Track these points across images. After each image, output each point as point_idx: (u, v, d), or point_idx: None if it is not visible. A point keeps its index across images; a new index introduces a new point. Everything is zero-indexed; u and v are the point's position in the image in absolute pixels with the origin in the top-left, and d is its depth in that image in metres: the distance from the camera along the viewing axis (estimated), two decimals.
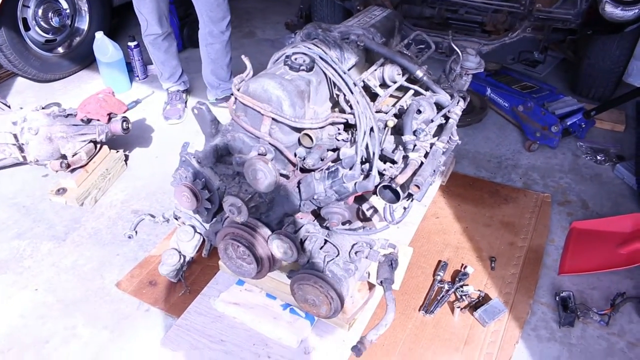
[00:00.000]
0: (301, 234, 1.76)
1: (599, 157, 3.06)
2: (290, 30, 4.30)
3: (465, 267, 2.39)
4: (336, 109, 1.84)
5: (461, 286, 2.28)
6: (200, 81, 3.62)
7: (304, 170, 1.66)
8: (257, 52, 3.62)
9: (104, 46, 3.58)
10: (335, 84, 1.70)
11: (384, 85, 1.83)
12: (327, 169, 1.59)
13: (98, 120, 2.61)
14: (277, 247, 1.75)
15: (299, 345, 2.02)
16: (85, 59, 4.01)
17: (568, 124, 3.04)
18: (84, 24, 3.98)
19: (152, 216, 2.63)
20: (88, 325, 2.16)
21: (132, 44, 3.72)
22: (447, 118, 1.74)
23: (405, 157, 1.59)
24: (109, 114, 2.61)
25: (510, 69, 3.68)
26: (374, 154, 1.53)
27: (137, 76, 3.78)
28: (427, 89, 1.85)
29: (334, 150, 1.68)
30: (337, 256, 1.79)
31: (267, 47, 4.22)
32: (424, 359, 2.05)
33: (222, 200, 1.93)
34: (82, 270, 2.42)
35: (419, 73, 1.82)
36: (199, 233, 2.32)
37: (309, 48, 1.74)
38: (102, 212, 2.75)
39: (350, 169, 1.54)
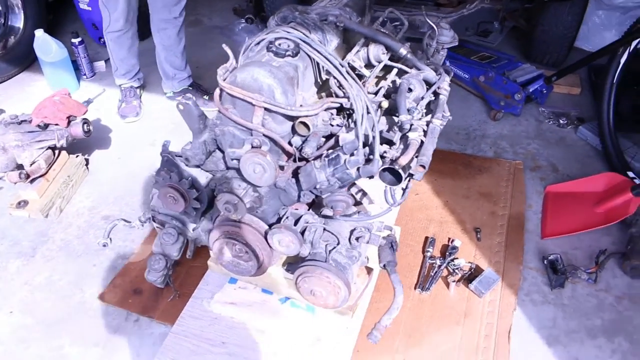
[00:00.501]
0: (300, 225, 1.71)
1: (561, 121, 3.15)
2: (239, 16, 4.16)
3: (453, 240, 2.41)
4: (322, 94, 1.78)
5: (452, 260, 2.30)
6: (153, 75, 3.46)
7: (300, 159, 1.59)
8: (208, 40, 3.49)
9: (46, 45, 3.33)
10: (322, 68, 1.64)
11: (369, 65, 1.79)
12: (326, 156, 1.54)
13: (56, 124, 2.43)
14: (278, 242, 1.69)
15: (304, 337, 1.98)
16: (24, 60, 3.74)
17: (530, 90, 3.10)
18: (18, 22, 3.69)
19: (126, 221, 2.49)
20: (75, 344, 2.03)
21: (75, 40, 3.49)
22: (436, 94, 1.72)
23: (404, 138, 1.56)
24: (68, 117, 2.44)
25: (465, 40, 3.71)
26: (374, 137, 1.49)
27: (85, 74, 3.56)
28: (411, 66, 1.82)
29: (328, 136, 1.62)
30: (338, 244, 1.75)
31: (217, 35, 4.07)
32: (428, 336, 2.05)
33: (212, 198, 1.85)
34: (58, 286, 2.27)
35: (403, 51, 1.78)
36: (182, 234, 2.22)
37: (289, 32, 1.67)
38: (69, 222, 2.58)
39: (352, 154, 1.49)
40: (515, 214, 2.58)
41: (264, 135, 1.55)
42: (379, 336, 1.65)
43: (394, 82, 1.73)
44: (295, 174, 1.60)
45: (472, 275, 2.26)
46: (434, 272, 2.27)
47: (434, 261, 2.31)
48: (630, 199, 2.33)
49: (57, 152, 2.65)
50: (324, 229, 1.75)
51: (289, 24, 1.81)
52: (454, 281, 2.22)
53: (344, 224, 1.80)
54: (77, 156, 2.76)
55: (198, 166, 1.76)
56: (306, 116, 1.51)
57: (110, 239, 2.46)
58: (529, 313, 2.17)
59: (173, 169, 1.80)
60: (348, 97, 1.55)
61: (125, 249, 2.44)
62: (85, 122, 2.51)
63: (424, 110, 1.68)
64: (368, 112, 1.52)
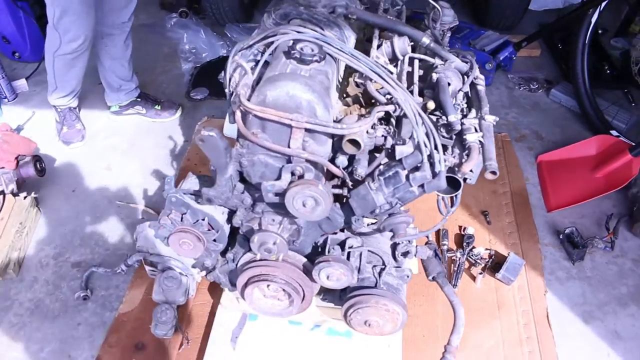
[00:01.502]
0: (345, 251, 1.51)
1: (531, 86, 3.12)
2: (169, 10, 3.75)
3: (465, 228, 2.29)
4: (347, 99, 1.57)
5: (471, 250, 2.19)
6: (88, 87, 3.01)
7: (349, 183, 1.37)
8: (138, 41, 3.10)
9: None
10: (354, 71, 1.42)
11: (393, 60, 1.58)
12: (380, 174, 1.33)
13: (2, 167, 2.02)
14: (327, 276, 1.48)
15: None
16: None
17: (501, 59, 3.04)
18: None
19: (105, 268, 2.15)
20: None
21: None
22: (472, 85, 1.55)
23: (458, 141, 1.38)
24: (17, 157, 2.04)
25: (417, 12, 3.57)
26: (436, 145, 1.30)
27: (5, 98, 3.05)
28: (433, 55, 1.64)
29: (374, 150, 1.41)
30: (384, 264, 1.57)
31: (148, 34, 3.63)
32: (469, 336, 1.93)
33: (231, 234, 1.59)
34: (40, 358, 1.92)
35: (426, 40, 1.60)
36: (184, 275, 1.94)
37: (301, 32, 1.43)
38: (34, 277, 2.20)
39: (414, 169, 1.30)
40: (516, 189, 2.52)
41: (307, 160, 1.31)
42: (453, 359, 1.50)
43: (425, 77, 1.54)
44: (346, 199, 1.38)
45: (494, 263, 2.17)
46: (457, 266, 2.15)
47: (453, 254, 2.18)
48: (631, 160, 2.32)
49: (1, 197, 2.23)
50: (368, 251, 1.55)
51: (289, 22, 1.57)
52: (480, 273, 2.11)
53: (381, 239, 1.62)
54: (24, 197, 2.34)
55: (209, 201, 1.49)
56: (355, 132, 1.29)
57: (90, 290, 2.12)
58: (558, 292, 2.13)
59: (184, 210, 1.52)
60: (396, 103, 1.34)
61: (111, 299, 2.12)
62: (38, 159, 2.11)
63: (465, 105, 1.51)
64: (421, 117, 1.33)
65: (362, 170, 1.33)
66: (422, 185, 1.32)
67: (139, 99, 2.87)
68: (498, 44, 3.11)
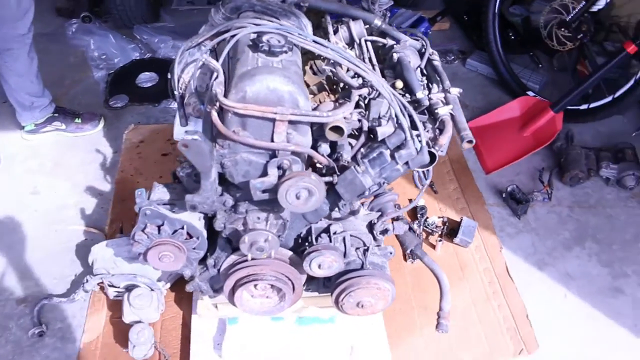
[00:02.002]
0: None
1: (448, 58, 3.27)
2: (67, 17, 3.46)
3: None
4: (311, 87, 1.56)
5: (425, 220, 2.27)
6: None
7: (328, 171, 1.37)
8: (37, 52, 2.87)
9: None
10: (324, 59, 1.41)
11: (350, 44, 1.59)
12: (364, 157, 1.34)
13: None
14: (318, 265, 1.47)
15: (339, 351, 1.82)
16: None
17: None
18: None
19: (57, 297, 1.99)
20: None
21: None
22: (429, 62, 1.60)
23: (430, 115, 1.42)
24: None
25: None
26: (414, 122, 1.33)
27: None
28: (384, 36, 1.67)
29: (352, 135, 1.41)
30: (366, 245, 1.59)
31: (48, 44, 3.30)
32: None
33: (218, 241, 1.53)
34: None
35: (378, 22, 1.63)
36: (153, 290, 1.84)
37: (259, 24, 1.40)
38: None
39: (397, 148, 1.32)
40: (454, 157, 2.64)
41: (292, 152, 1.29)
42: (448, 324, 1.57)
43: (382, 58, 1.57)
44: (333, 186, 1.37)
45: (449, 229, 2.27)
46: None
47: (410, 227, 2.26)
48: (553, 116, 2.52)
49: None
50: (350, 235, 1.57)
51: (240, 15, 1.53)
52: (439, 240, 2.20)
53: (355, 221, 1.64)
54: None
55: (193, 208, 1.42)
56: (339, 120, 1.28)
57: (44, 324, 1.95)
58: (511, 246, 2.28)
59: (159, 222, 1.44)
60: (370, 86, 1.35)
61: (70, 330, 1.97)
62: None
63: (425, 82, 1.56)
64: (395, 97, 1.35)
65: (347, 155, 1.34)
66: (407, 163, 1.34)
67: (56, 114, 2.65)
68: (413, 20, 3.22)
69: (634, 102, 2.53)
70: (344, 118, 1.37)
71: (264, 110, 1.23)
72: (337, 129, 1.31)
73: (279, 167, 1.30)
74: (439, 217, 2.31)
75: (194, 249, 1.49)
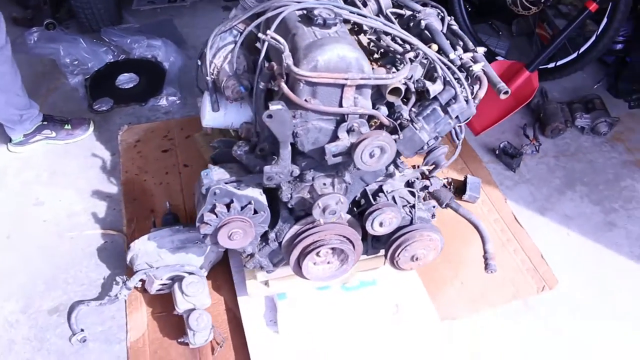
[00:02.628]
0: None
1: None
2: (25, 26, 3.30)
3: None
4: None
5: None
6: None
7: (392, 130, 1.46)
8: None
9: None
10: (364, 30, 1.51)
11: (378, 15, 1.68)
12: (418, 114, 1.44)
13: None
14: (380, 224, 1.57)
15: (386, 310, 1.93)
16: None
17: None
18: None
19: (92, 300, 1.97)
20: None
21: None
22: (448, 26, 1.73)
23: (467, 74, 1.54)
24: None
25: None
26: (457, 78, 1.45)
27: None
28: (400, 7, 1.78)
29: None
30: (412, 202, 1.70)
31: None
32: (464, 254, 2.17)
33: (281, 213, 1.59)
34: None
35: None
36: (202, 277, 1.87)
37: (299, 2, 1.47)
38: (9, 339, 1.92)
39: (448, 103, 1.44)
40: None
41: (360, 115, 1.37)
42: (495, 263, 1.71)
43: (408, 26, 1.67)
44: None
45: (455, 188, 2.43)
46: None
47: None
48: (529, 75, 2.73)
49: None
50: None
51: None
52: None
53: (394, 182, 1.75)
54: None
55: (259, 184, 1.48)
56: (399, 80, 1.38)
57: (82, 329, 1.92)
58: (512, 197, 2.46)
59: (227, 200, 1.48)
60: (417, 49, 1.45)
61: (112, 331, 1.95)
62: None
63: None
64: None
65: (405, 113, 1.43)
66: (457, 116, 1.46)
67: (45, 123, 2.57)
68: None
69: (595, 56, 2.79)
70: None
71: (336, 77, 1.30)
72: (396, 90, 1.40)
73: (348, 130, 1.38)
74: (444, 179, 2.46)
75: (260, 223, 1.54)
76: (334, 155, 1.38)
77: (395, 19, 1.74)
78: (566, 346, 1.93)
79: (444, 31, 1.69)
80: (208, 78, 1.73)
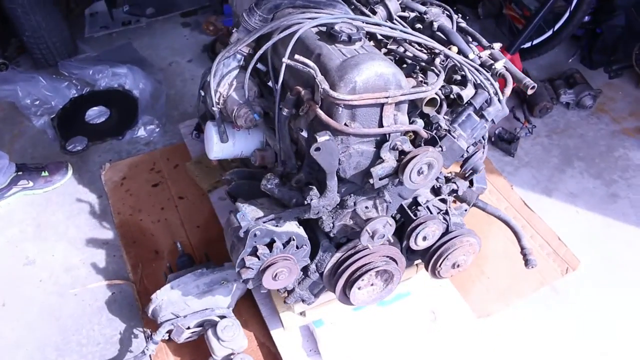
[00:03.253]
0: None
1: None
2: None
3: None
4: None
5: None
6: None
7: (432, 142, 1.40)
8: None
9: None
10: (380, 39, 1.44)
11: (389, 21, 1.62)
12: (452, 122, 1.39)
13: None
14: (423, 238, 1.52)
15: (424, 319, 1.89)
16: None
17: None
18: None
19: None
20: None
21: None
22: (457, 24, 1.68)
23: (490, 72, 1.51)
24: None
25: None
26: (486, 78, 1.41)
27: None
28: (404, 10, 1.72)
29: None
30: (444, 208, 1.66)
31: None
32: (486, 248, 2.13)
33: (322, 244, 1.51)
34: None
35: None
36: (234, 318, 1.77)
37: (316, 18, 1.39)
38: None
39: (482, 107, 1.39)
40: None
41: (402, 133, 1.31)
42: (534, 258, 1.69)
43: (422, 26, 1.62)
44: None
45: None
46: None
47: None
48: (511, 58, 2.73)
49: None
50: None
51: (277, 14, 1.51)
52: None
53: (422, 190, 1.70)
54: None
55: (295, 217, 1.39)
56: (434, 90, 1.32)
57: None
58: (516, 182, 2.47)
59: (267, 240, 1.39)
60: (444, 55, 1.40)
61: None
62: None
63: None
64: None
65: (443, 123, 1.38)
66: (492, 119, 1.42)
67: (19, 173, 2.38)
68: None
69: (571, 31, 2.82)
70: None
71: (377, 97, 1.23)
72: (432, 101, 1.35)
73: (392, 149, 1.31)
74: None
75: (302, 258, 1.46)
76: (381, 178, 1.31)
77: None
78: (597, 322, 1.95)
79: (454, 30, 1.65)
80: (215, 108, 1.63)
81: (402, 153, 1.31)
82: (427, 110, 1.35)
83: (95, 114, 2.84)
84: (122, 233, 2.26)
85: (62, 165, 2.51)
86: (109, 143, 2.70)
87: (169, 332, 1.78)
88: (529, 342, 1.91)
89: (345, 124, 1.26)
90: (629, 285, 2.07)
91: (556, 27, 2.82)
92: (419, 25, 1.64)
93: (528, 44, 2.91)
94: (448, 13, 1.67)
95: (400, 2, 1.67)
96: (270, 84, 1.59)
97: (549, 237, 2.21)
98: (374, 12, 1.57)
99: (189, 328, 1.75)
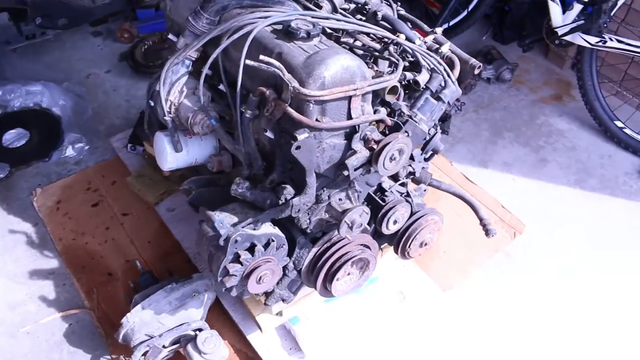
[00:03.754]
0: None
1: None
2: None
3: None
4: None
5: None
6: None
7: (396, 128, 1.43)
8: None
9: None
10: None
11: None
12: (412, 107, 1.44)
13: None
14: (393, 222, 1.56)
15: (393, 299, 1.96)
16: None
17: None
18: None
19: None
20: None
21: None
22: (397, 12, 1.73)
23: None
24: None
25: None
26: (438, 63, 1.47)
27: None
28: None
29: None
30: (406, 191, 1.72)
31: None
32: None
33: (298, 241, 1.51)
34: None
35: None
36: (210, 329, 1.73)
37: (268, 16, 1.38)
38: None
39: (438, 90, 1.45)
40: None
41: (369, 122, 1.33)
42: (494, 227, 1.79)
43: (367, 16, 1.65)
44: None
45: None
46: None
47: None
48: None
49: None
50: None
51: (222, 16, 1.49)
52: None
53: (378, 175, 1.75)
54: None
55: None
56: (394, 80, 1.36)
57: None
58: (454, 158, 2.58)
59: (247, 245, 1.37)
60: (396, 43, 1.44)
61: None
62: None
63: None
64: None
65: (405, 109, 1.42)
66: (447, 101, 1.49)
67: None
68: None
69: (484, 11, 2.99)
70: None
71: (346, 90, 1.24)
72: (393, 89, 1.38)
73: (362, 140, 1.33)
74: None
75: (282, 258, 1.45)
76: (355, 169, 1.33)
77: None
78: (548, 279, 2.11)
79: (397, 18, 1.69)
80: (167, 117, 1.57)
81: (372, 142, 1.33)
82: (389, 98, 1.38)
83: (13, 137, 2.63)
84: (68, 259, 2.12)
85: None
86: (35, 167, 2.52)
87: (144, 354, 1.70)
88: (491, 308, 2.02)
89: (316, 120, 1.26)
90: (570, 241, 2.25)
91: (470, 8, 2.97)
92: (359, 16, 1.67)
93: (445, 26, 3.05)
94: (388, 2, 1.72)
95: None
96: (221, 87, 1.55)
97: (493, 206, 2.34)
98: (319, 7, 1.58)
99: (164, 347, 1.69)
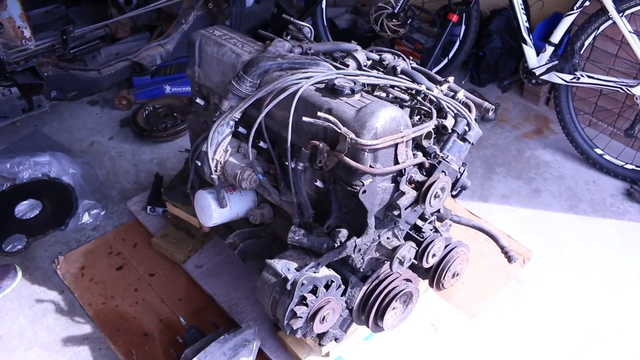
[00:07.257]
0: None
1: None
2: None
3: None
4: None
5: None
6: None
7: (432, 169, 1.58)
8: None
9: None
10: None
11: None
12: (441, 149, 1.60)
13: None
14: (432, 255, 1.69)
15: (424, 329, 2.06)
16: None
17: None
18: None
19: None
20: None
21: None
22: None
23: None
24: None
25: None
26: (460, 110, 1.64)
27: None
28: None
29: None
30: (433, 227, 1.86)
31: None
32: None
33: (351, 280, 1.61)
34: None
35: (357, 48, 1.86)
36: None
37: (311, 76, 1.54)
38: None
39: (464, 132, 1.62)
40: None
41: (414, 165, 1.48)
42: (515, 254, 1.94)
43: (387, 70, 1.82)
44: None
45: None
46: None
47: None
48: None
49: None
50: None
51: (263, 78, 1.63)
52: None
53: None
54: None
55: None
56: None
57: None
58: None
59: (310, 287, 1.47)
60: (424, 94, 1.61)
61: None
62: None
63: None
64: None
65: (439, 152, 1.58)
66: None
67: None
68: None
69: (463, 58, 3.25)
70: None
71: (395, 138, 1.39)
72: (428, 134, 1.54)
73: (409, 182, 1.47)
74: None
75: (340, 297, 1.55)
76: (405, 208, 1.46)
77: None
78: (560, 299, 2.26)
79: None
80: (213, 176, 1.68)
81: (418, 183, 1.48)
82: (425, 142, 1.54)
83: (26, 209, 2.66)
84: (101, 324, 2.14)
85: (9, 268, 2.32)
86: (52, 235, 2.54)
87: None
88: (515, 330, 2.14)
89: (370, 166, 1.40)
90: (571, 261, 2.42)
91: (450, 56, 3.23)
92: (378, 71, 1.85)
93: None
94: (402, 57, 1.91)
95: (359, 49, 1.87)
96: (261, 144, 1.68)
97: (499, 237, 2.50)
98: (346, 65, 1.75)
99: None
